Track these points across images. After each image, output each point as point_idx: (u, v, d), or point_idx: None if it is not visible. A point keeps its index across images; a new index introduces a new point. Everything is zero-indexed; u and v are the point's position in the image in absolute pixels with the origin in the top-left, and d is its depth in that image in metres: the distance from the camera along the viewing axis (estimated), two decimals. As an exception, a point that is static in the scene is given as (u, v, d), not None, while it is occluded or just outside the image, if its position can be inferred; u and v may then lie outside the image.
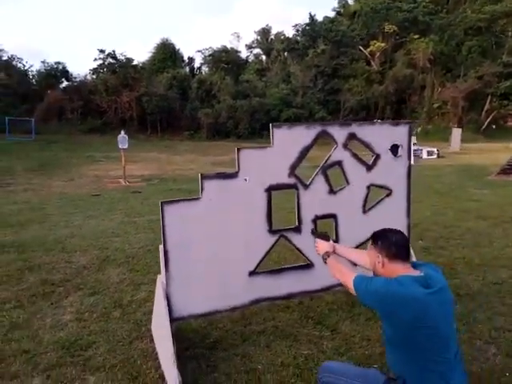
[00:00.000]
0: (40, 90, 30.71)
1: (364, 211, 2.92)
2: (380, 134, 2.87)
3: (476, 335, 3.00)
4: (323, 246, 2.28)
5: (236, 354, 2.82)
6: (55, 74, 32.22)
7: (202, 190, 2.48)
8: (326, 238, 2.37)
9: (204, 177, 2.47)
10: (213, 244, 2.54)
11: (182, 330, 3.16)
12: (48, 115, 28.47)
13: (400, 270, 1.81)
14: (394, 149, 2.88)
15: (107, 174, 13.84)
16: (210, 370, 2.64)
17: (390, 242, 1.86)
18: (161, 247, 2.48)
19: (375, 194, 3.12)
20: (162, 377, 2.54)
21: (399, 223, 3.01)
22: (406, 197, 3.01)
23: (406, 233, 3.05)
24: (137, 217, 7.24)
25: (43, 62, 32.82)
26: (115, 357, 2.79)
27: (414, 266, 1.87)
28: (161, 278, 2.58)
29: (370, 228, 2.93)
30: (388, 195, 2.97)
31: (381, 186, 2.94)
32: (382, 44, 39.93)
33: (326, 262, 2.20)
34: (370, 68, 39.65)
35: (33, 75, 32.69)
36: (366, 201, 2.92)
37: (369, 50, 40.28)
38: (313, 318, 3.29)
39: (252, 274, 2.67)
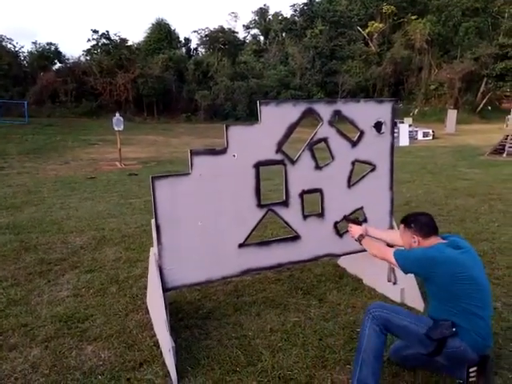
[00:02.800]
0: (32, 72, 30.14)
1: (349, 186, 3.02)
2: (364, 112, 2.95)
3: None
4: (356, 229, 2.65)
5: (228, 322, 2.97)
6: (47, 55, 31.54)
7: (191, 165, 2.56)
8: (358, 223, 2.72)
9: (193, 152, 2.55)
10: (203, 218, 2.64)
11: (177, 302, 3.30)
12: (41, 98, 28.06)
13: (433, 242, 2.16)
14: (378, 126, 2.96)
15: (103, 156, 13.85)
16: (202, 337, 2.78)
17: (421, 224, 2.22)
18: (153, 221, 2.58)
19: (360, 169, 3.22)
20: (156, 344, 2.68)
21: (383, 197, 3.14)
22: (389, 172, 3.10)
23: (389, 206, 3.18)
24: (133, 198, 7.32)
25: (34, 42, 32.21)
26: (111, 328, 2.92)
27: (443, 237, 2.21)
28: (153, 250, 2.69)
29: (354, 202, 3.07)
30: (372, 170, 3.06)
31: (365, 162, 3.03)
32: (380, 25, 39.37)
33: (361, 244, 2.56)
34: (368, 49, 39.17)
35: (24, 57, 31.98)
36: (350, 176, 3.01)
37: (367, 30, 39.73)
38: (302, 289, 3.44)
39: (242, 245, 2.78)
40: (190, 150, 2.56)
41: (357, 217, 2.80)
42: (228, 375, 2.36)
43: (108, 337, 2.81)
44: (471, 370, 2.09)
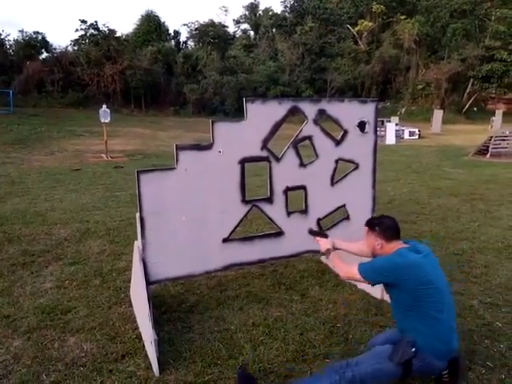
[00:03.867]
0: (18, 61, 29.45)
1: (332, 184, 3.07)
2: (348, 111, 3.00)
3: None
4: (324, 243, 2.59)
5: (211, 316, 3.01)
6: (34, 44, 30.81)
7: (177, 160, 2.58)
8: (324, 235, 2.66)
9: (179, 147, 2.57)
10: (188, 212, 2.67)
11: (160, 295, 3.32)
12: (27, 87, 27.45)
13: (396, 246, 2.19)
14: (362, 125, 3.02)
15: (89, 148, 13.67)
16: (185, 331, 2.81)
17: (385, 227, 2.24)
18: (137, 214, 2.59)
19: (344, 168, 3.28)
20: (139, 337, 2.70)
21: (365, 195, 3.21)
22: (371, 171, 3.17)
23: (371, 203, 3.25)
24: (118, 191, 7.28)
25: (21, 31, 31.27)
26: (94, 320, 2.93)
27: (404, 242, 2.24)
28: (137, 243, 2.70)
29: (337, 199, 3.13)
30: (355, 169, 3.12)
31: (348, 161, 3.09)
32: (370, 23, 39.57)
33: (327, 258, 2.58)
34: (357, 47, 39.33)
35: (10, 45, 31.22)
36: (334, 174, 3.07)
37: (356, 29, 39.88)
38: (285, 284, 3.50)
39: (226, 240, 2.82)
40: (176, 145, 2.57)
41: (323, 230, 2.76)
42: (209, 368, 2.40)
43: (91, 329, 2.82)
44: (444, 372, 2.15)
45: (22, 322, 2.90)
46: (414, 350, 1.97)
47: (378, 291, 3.24)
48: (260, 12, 44.92)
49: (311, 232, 2.75)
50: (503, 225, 5.26)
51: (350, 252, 2.62)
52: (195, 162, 2.62)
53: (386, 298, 3.21)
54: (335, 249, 2.57)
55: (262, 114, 2.76)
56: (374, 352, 2.10)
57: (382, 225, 2.26)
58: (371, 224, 2.32)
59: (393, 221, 2.29)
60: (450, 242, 4.58)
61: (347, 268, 2.32)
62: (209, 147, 2.66)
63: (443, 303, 2.06)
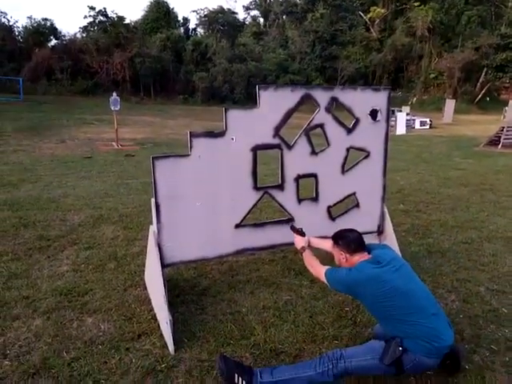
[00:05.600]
0: (27, 48, 29.58)
1: (343, 172, 3.11)
2: (361, 99, 3.01)
3: (440, 285, 3.32)
4: (299, 240, 2.69)
5: (223, 299, 3.10)
6: (43, 31, 30.91)
7: (190, 147, 2.64)
8: (301, 233, 2.72)
9: (193, 135, 2.63)
10: (201, 198, 2.74)
11: (173, 279, 3.41)
12: (36, 75, 27.63)
13: (360, 258, 2.23)
14: (374, 113, 3.04)
15: (99, 136, 13.80)
16: (198, 313, 2.91)
17: (348, 241, 2.29)
18: (152, 200, 2.67)
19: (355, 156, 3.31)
20: (154, 318, 2.80)
21: (375, 183, 3.24)
22: (383, 159, 3.19)
23: (381, 192, 3.28)
24: (130, 179, 7.37)
25: (29, 17, 31.69)
26: (110, 302, 3.03)
27: (369, 251, 2.27)
28: (153, 228, 2.78)
29: (348, 187, 3.18)
30: (366, 157, 3.15)
31: (359, 149, 3.12)
32: (382, 10, 38.93)
33: (301, 255, 2.63)
34: (369, 35, 38.80)
35: (19, 32, 31.31)
36: (345, 162, 3.11)
37: (368, 16, 39.27)
38: (294, 270, 3.58)
39: (238, 226, 2.89)
40: (190, 132, 2.63)
41: (301, 227, 2.76)
42: (222, 347, 2.50)
43: (107, 310, 2.92)
44: (446, 362, 2.18)
45: (41, 302, 3.01)
46: (400, 349, 2.00)
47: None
48: (270, -2, 44.40)
49: (291, 227, 2.82)
50: (512, 215, 5.26)
51: (323, 249, 2.67)
52: (208, 148, 2.68)
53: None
54: (310, 246, 2.67)
55: (275, 102, 2.79)
56: (370, 347, 2.14)
57: (345, 239, 2.31)
58: (335, 238, 2.37)
59: (356, 234, 2.33)
60: (459, 231, 4.61)
61: (318, 268, 2.40)
62: (222, 134, 2.71)
63: (410, 307, 2.05)
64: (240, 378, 2.07)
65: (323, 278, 2.31)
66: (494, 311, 2.94)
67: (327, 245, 2.61)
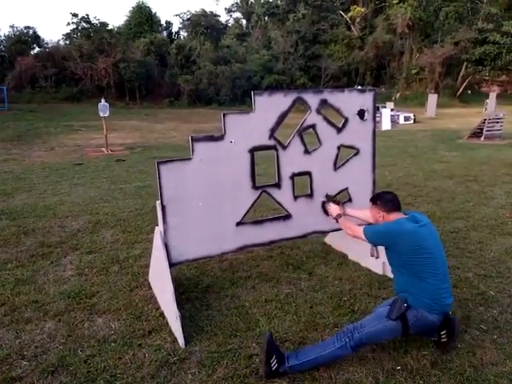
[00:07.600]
0: (10, 57, 29.25)
1: (335, 168, 3.31)
2: (348, 100, 3.22)
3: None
4: (335, 209, 3.03)
5: (226, 295, 3.24)
6: (25, 39, 30.60)
7: (192, 151, 2.78)
8: (336, 202, 3.06)
9: (194, 139, 2.78)
10: (204, 198, 2.89)
11: (176, 278, 3.53)
12: (20, 83, 27.31)
13: (396, 217, 2.50)
14: (361, 113, 3.24)
15: (88, 142, 13.76)
16: (203, 308, 3.05)
17: (385, 200, 2.57)
18: (158, 202, 2.81)
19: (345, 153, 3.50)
20: (162, 315, 2.93)
21: (366, 178, 3.44)
22: (371, 156, 3.39)
23: (372, 186, 3.48)
24: (123, 184, 7.42)
25: (12, 26, 31.15)
26: (118, 302, 3.15)
27: (405, 213, 2.54)
28: (158, 229, 2.92)
29: (340, 183, 3.36)
30: (355, 154, 3.35)
31: (349, 147, 3.32)
32: (362, 9, 39.40)
33: (337, 222, 2.95)
34: (350, 33, 39.21)
35: (1, 41, 30.94)
36: (336, 159, 3.30)
37: (349, 14, 39.67)
38: (292, 264, 3.74)
39: (239, 224, 3.05)
40: (191, 137, 2.78)
41: (336, 197, 3.12)
42: (230, 339, 2.65)
43: (116, 310, 3.04)
44: (442, 332, 2.43)
45: (51, 306, 3.11)
46: (405, 305, 2.28)
47: (379, 268, 3.49)
48: (252, 0, 44.58)
49: (327, 196, 3.15)
50: (496, 204, 5.52)
51: (357, 217, 2.99)
52: (209, 152, 2.83)
53: (388, 273, 3.46)
54: (345, 214, 2.99)
55: (269, 106, 2.96)
56: (376, 313, 2.40)
57: (383, 199, 2.59)
58: (374, 199, 2.67)
59: (392, 195, 2.62)
60: (446, 221, 4.84)
61: (354, 228, 2.71)
62: (221, 138, 2.87)
63: (436, 268, 2.34)
64: (275, 361, 2.25)
65: (361, 235, 2.58)
66: (482, 294, 3.14)
67: (361, 214, 2.96)
